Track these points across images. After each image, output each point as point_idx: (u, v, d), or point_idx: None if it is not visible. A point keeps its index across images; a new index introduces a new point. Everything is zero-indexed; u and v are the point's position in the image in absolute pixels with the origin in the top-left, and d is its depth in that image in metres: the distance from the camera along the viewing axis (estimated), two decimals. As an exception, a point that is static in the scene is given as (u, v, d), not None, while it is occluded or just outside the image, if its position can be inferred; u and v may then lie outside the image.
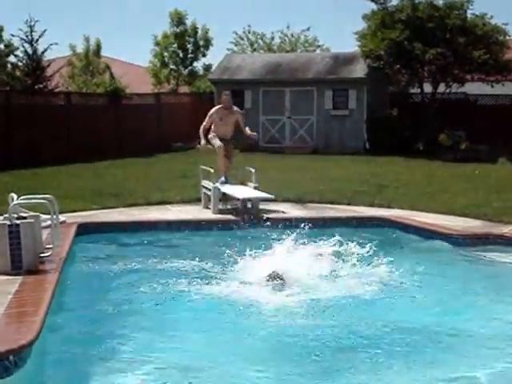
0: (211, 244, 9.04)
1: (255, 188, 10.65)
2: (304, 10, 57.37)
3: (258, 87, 22.96)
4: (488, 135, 20.69)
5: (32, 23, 21.39)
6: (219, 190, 10.45)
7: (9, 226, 6.65)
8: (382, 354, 5.01)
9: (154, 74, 30.97)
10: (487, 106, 22.95)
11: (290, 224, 9.73)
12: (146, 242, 9.03)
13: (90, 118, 20.46)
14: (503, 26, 20.84)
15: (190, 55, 30.90)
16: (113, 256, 8.24)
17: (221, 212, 10.36)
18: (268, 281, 6.73)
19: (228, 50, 36.14)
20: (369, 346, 5.20)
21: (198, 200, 11.07)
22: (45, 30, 21.66)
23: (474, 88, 22.45)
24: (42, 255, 7.06)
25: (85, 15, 65.66)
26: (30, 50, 21.65)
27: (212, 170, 10.72)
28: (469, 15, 21.09)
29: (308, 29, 36.57)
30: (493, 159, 18.21)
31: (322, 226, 9.54)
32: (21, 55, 21.98)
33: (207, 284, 6.70)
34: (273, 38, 36.86)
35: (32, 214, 7.20)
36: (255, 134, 11.92)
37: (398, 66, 21.68)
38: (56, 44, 27.19)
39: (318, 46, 36.53)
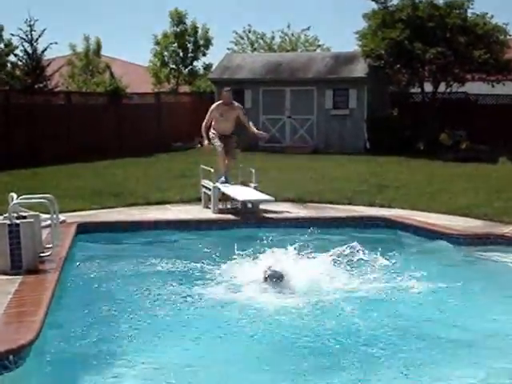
0: (211, 244, 9.02)
1: (255, 188, 10.62)
2: (304, 9, 57.42)
3: (258, 87, 22.95)
4: (488, 135, 20.68)
5: (32, 22, 21.38)
6: (219, 189, 10.43)
7: (9, 225, 6.64)
8: (379, 354, 5.02)
9: (154, 73, 30.96)
10: (488, 105, 22.93)
11: (290, 224, 9.77)
12: (145, 241, 9.04)
13: (89, 117, 20.45)
14: (504, 26, 20.83)
15: (190, 55, 30.87)
16: (112, 256, 8.24)
17: (221, 212, 10.34)
18: (266, 278, 6.71)
19: (228, 49, 36.22)
20: (367, 345, 5.20)
21: (198, 200, 11.06)
22: (44, 29, 21.66)
23: (475, 88, 22.44)
24: (41, 255, 7.05)
25: (85, 14, 65.62)
26: (29, 50, 21.61)
27: (212, 170, 10.70)
28: (469, 14, 21.09)
29: (308, 28, 36.64)
30: (493, 159, 18.19)
31: (322, 226, 9.55)
32: (20, 54, 21.95)
33: (206, 284, 6.70)
34: (273, 38, 36.91)
35: (32, 213, 7.19)
36: (265, 134, 12.07)
37: (398, 66, 21.67)
38: (56, 43, 27.14)
39: (319, 46, 36.57)
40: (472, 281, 6.82)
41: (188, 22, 30.58)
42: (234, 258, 7.37)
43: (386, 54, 20.72)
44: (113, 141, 20.60)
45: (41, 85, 21.41)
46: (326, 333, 5.45)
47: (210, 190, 10.50)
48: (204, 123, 11.14)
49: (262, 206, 10.48)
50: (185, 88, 30.38)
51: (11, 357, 4.49)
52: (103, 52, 32.33)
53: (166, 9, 39.66)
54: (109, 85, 22.56)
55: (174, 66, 30.92)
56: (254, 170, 10.89)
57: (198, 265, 7.38)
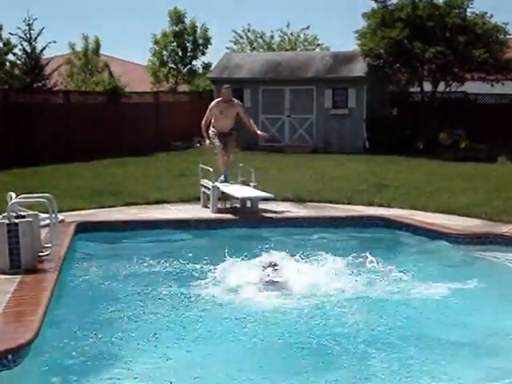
0: (210, 244, 9.04)
1: (255, 187, 10.62)
2: (304, 8, 57.43)
3: (257, 86, 22.93)
4: (488, 134, 20.66)
5: (30, 21, 21.36)
6: (218, 188, 10.42)
7: (7, 224, 6.63)
8: (378, 354, 5.00)
9: (153, 72, 30.94)
10: (487, 105, 22.91)
11: (290, 223, 9.77)
12: (144, 241, 9.03)
13: (88, 116, 20.41)
14: (503, 25, 20.79)
15: (189, 54, 30.87)
16: (111, 255, 8.24)
17: (220, 211, 10.32)
18: (263, 270, 6.70)
19: (227, 48, 36.18)
20: (366, 345, 5.19)
21: (197, 199, 11.04)
22: (43, 28, 21.62)
23: (474, 87, 22.42)
24: (40, 254, 7.05)
25: (84, 13, 65.63)
26: (28, 49, 21.59)
27: (211, 169, 10.68)
28: (469, 14, 21.06)
29: (308, 27, 36.60)
30: (492, 158, 18.17)
31: (321, 226, 9.56)
32: (19, 53, 21.91)
33: (205, 284, 6.69)
34: (272, 37, 36.87)
35: (31, 212, 7.17)
36: (265, 134, 12.09)
37: (397, 65, 21.65)
38: (54, 42, 27.21)
39: (318, 45, 36.54)
40: (471, 280, 6.80)
41: (187, 21, 30.60)
42: (233, 258, 7.37)
43: (386, 53, 20.70)
44: (112, 140, 20.56)
45: (39, 84, 21.38)
46: (324, 333, 5.45)
47: (209, 189, 10.49)
48: (204, 121, 11.09)
49: (261, 206, 10.46)
50: (184, 87, 30.36)
51: (10, 356, 4.49)
52: (102, 51, 32.33)
53: (166, 8, 39.62)
54: (108, 84, 22.54)
55: (172, 65, 30.90)
56: (253, 170, 10.87)
57: (197, 265, 7.38)
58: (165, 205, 11.03)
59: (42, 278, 6.47)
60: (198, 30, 30.78)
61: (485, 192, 11.98)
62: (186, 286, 6.68)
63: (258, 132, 11.49)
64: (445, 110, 21.44)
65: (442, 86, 21.81)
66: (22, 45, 21.61)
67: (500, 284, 7.03)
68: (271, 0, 60.62)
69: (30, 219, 6.86)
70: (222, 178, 10.83)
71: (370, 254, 7.27)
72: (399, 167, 16.51)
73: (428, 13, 20.44)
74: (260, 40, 36.90)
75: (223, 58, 25.24)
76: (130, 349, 5.17)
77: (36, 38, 21.59)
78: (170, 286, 6.67)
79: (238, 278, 6.79)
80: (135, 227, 9.41)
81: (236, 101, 11.35)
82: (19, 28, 21.34)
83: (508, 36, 21.14)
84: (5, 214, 6.76)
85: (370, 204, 10.96)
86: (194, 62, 31.26)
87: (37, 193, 7.82)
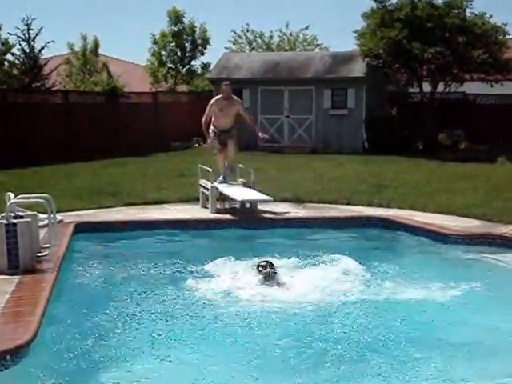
0: (208, 244, 9.03)
1: (254, 188, 10.58)
2: (303, 8, 57.42)
3: (256, 86, 22.91)
4: (487, 135, 20.67)
5: (29, 21, 21.37)
6: (217, 189, 10.39)
7: (6, 225, 6.62)
8: (371, 355, 5.01)
9: (152, 72, 30.93)
10: (486, 105, 22.90)
11: (289, 224, 9.75)
12: (143, 241, 9.01)
13: (87, 116, 20.39)
14: (502, 26, 20.79)
15: (187, 54, 30.86)
16: (110, 255, 8.24)
17: (219, 211, 10.30)
18: (260, 271, 6.68)
19: (226, 48, 36.15)
20: (364, 346, 5.19)
21: (197, 199, 11.02)
22: (41, 28, 21.66)
23: (473, 87, 22.42)
24: (39, 254, 7.04)
25: (83, 13, 65.61)
26: (27, 48, 21.61)
27: (210, 170, 10.66)
28: (468, 14, 21.05)
29: (307, 27, 36.57)
30: (492, 159, 18.16)
31: (320, 226, 9.55)
32: (18, 53, 21.95)
33: (203, 284, 6.68)
34: (271, 37, 36.84)
35: (29, 213, 7.16)
36: (266, 135, 12.10)
37: (397, 65, 21.65)
38: (53, 42, 27.13)
39: (317, 45, 36.52)
40: (470, 282, 6.79)
41: (186, 21, 30.59)
42: (231, 259, 7.37)
43: (385, 53, 20.69)
44: (111, 140, 20.53)
45: (38, 84, 21.38)
46: (320, 334, 5.45)
47: (208, 189, 10.47)
48: (204, 119, 10.95)
49: (260, 207, 10.45)
50: (183, 87, 30.35)
51: (8, 357, 4.48)
52: (101, 51, 32.32)
53: (164, 7, 39.62)
54: (106, 84, 22.52)
55: (171, 66, 30.90)
56: (252, 171, 10.83)
57: (195, 265, 7.36)
58: (164, 205, 11.01)
59: (41, 278, 6.46)
60: (197, 30, 30.79)
61: (484, 193, 11.97)
62: (185, 286, 6.68)
63: (259, 134, 11.41)
64: (444, 110, 21.43)
65: (441, 87, 21.81)
66: (20, 45, 21.67)
67: (499, 286, 7.00)
68: (270, 0, 60.63)
69: (29, 219, 6.84)
70: (220, 178, 10.80)
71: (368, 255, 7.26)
72: (398, 168, 16.49)
73: (427, 13, 20.43)
74: (259, 40, 36.88)
75: (222, 58, 25.22)
76: (129, 349, 5.15)
77: (34, 38, 21.64)
78: (169, 287, 6.66)
79: (236, 278, 6.79)
80: (134, 227, 9.39)
81: (236, 98, 11.21)
82: (18, 28, 21.40)
83: (507, 36, 21.14)
84: (3, 215, 6.74)
85: (370, 204, 10.94)
86: (192, 62, 31.32)
87: (35, 193, 7.81)
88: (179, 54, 30.68)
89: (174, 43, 30.49)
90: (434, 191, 12.28)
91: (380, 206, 10.86)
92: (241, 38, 36.90)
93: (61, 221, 8.77)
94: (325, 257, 7.66)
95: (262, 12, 62.04)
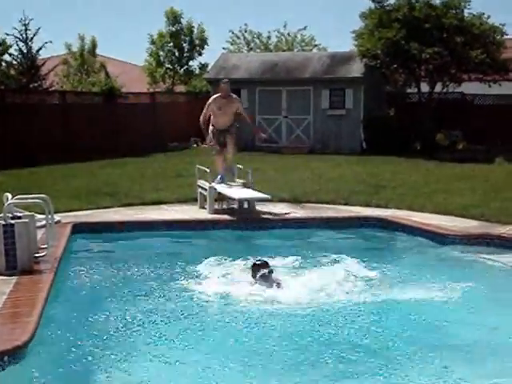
0: (206, 245, 9.03)
1: (251, 188, 10.58)
2: (301, 9, 57.43)
3: (254, 86, 22.90)
4: (485, 135, 20.68)
5: (26, 22, 21.36)
6: (215, 189, 10.39)
7: (3, 225, 6.61)
8: (369, 357, 5.01)
9: (150, 73, 30.90)
10: (484, 105, 22.93)
11: (287, 224, 9.75)
12: (141, 242, 9.01)
13: (85, 117, 20.37)
14: (500, 26, 20.80)
15: (185, 54, 30.84)
16: (108, 256, 8.23)
17: (217, 212, 10.29)
18: (254, 271, 6.67)
19: (224, 49, 36.16)
20: (358, 348, 5.19)
21: (194, 200, 11.01)
22: (39, 29, 21.65)
23: (471, 88, 22.44)
24: (36, 255, 7.02)
25: (80, 14, 65.57)
26: (24, 49, 21.59)
27: (208, 170, 10.65)
28: (466, 14, 21.04)
29: (305, 28, 36.60)
30: (490, 159, 18.16)
31: (318, 227, 9.55)
32: (15, 54, 21.92)
33: (200, 285, 6.67)
34: (269, 37, 36.86)
35: (27, 213, 7.15)
36: (264, 135, 12.09)
37: (394, 66, 21.64)
38: (50, 42, 27.17)
39: (315, 46, 36.54)
40: (468, 282, 6.78)
41: (184, 21, 30.58)
42: (227, 259, 7.36)
43: (383, 53, 20.70)
44: (108, 140, 20.52)
45: (36, 84, 21.37)
46: (318, 333, 5.44)
47: (205, 190, 10.45)
48: (202, 117, 10.85)
49: (258, 207, 10.44)
50: (180, 88, 30.35)
51: (6, 358, 4.47)
52: (98, 51, 32.30)
53: (162, 8, 39.58)
54: (104, 84, 22.50)
55: (169, 66, 30.89)
56: (250, 171, 10.83)
57: (192, 265, 7.36)
58: (161, 206, 11.00)
59: (38, 279, 6.45)
60: (195, 31, 30.77)
61: (482, 193, 11.97)
62: (181, 286, 6.67)
63: (260, 133, 11.37)
64: (442, 110, 21.44)
65: (439, 87, 21.81)
66: (18, 45, 21.67)
67: (496, 286, 7.00)
68: (268, 0, 60.65)
69: (26, 220, 6.83)
70: (218, 178, 10.78)
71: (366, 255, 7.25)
72: (396, 168, 16.49)
73: (425, 13, 20.42)
74: (257, 40, 36.90)
75: (220, 58, 25.22)
76: (127, 350, 5.14)
77: (32, 39, 21.64)
78: (166, 288, 6.65)
79: (232, 278, 6.79)
80: (132, 228, 9.38)
81: (235, 96, 11.12)
82: (15, 28, 21.39)
83: (505, 36, 21.14)
84: (1, 215, 6.73)
85: (368, 205, 10.94)
86: (190, 63, 31.29)
87: (33, 193, 7.79)
88: (177, 54, 30.67)
89: (171, 43, 30.47)
90: (431, 191, 12.29)
91: (378, 206, 10.86)
92: (239, 38, 36.93)
93: (58, 221, 8.75)
94: (322, 257, 7.66)
95: (260, 12, 62.13)
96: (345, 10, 60.53)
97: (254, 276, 6.65)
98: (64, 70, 29.74)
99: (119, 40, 63.59)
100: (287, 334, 5.46)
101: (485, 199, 11.19)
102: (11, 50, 22.13)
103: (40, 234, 7.60)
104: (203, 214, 10.24)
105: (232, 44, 36.90)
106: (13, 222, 6.66)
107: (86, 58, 30.86)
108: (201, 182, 10.80)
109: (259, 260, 6.83)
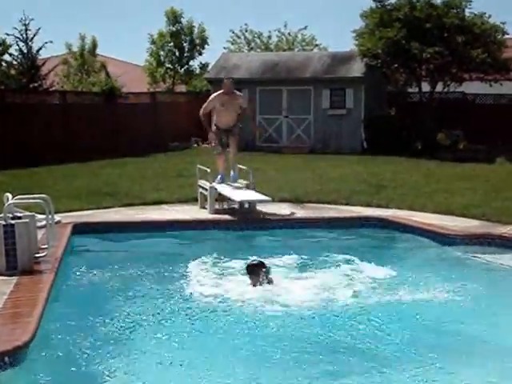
0: (206, 245, 9.00)
1: (252, 188, 10.56)
2: (302, 8, 57.41)
3: (254, 86, 22.87)
4: (486, 135, 20.66)
5: (27, 21, 21.34)
6: (216, 189, 10.37)
7: (4, 225, 6.60)
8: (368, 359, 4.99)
9: (150, 72, 30.89)
10: (485, 105, 22.91)
11: (288, 224, 9.74)
12: (141, 242, 9.00)
13: (85, 117, 20.36)
14: (501, 25, 20.79)
15: (186, 54, 30.83)
16: (108, 256, 8.22)
17: (217, 212, 10.28)
18: (250, 272, 6.65)
19: (225, 48, 36.13)
20: (357, 347, 5.18)
21: (195, 200, 11.00)
22: (39, 29, 21.62)
23: (472, 87, 22.42)
24: (37, 255, 7.01)
25: (81, 13, 65.58)
26: (24, 49, 21.56)
27: (209, 170, 10.63)
28: (467, 14, 21.04)
29: (305, 27, 36.56)
30: (491, 159, 18.15)
31: (319, 227, 9.54)
32: (15, 54, 21.89)
33: (200, 284, 6.66)
34: (270, 37, 36.82)
35: (27, 213, 7.14)
36: (259, 128, 11.95)
37: (395, 65, 21.64)
38: (51, 42, 27.11)
39: (316, 45, 36.50)
40: (469, 281, 6.78)
41: (184, 21, 30.56)
42: (227, 259, 7.35)
43: (383, 53, 20.68)
44: (109, 140, 20.51)
45: (36, 84, 21.35)
46: (317, 333, 5.43)
47: (206, 190, 10.44)
48: (202, 110, 10.66)
49: (259, 207, 10.43)
50: (181, 88, 30.34)
51: (6, 358, 4.46)
52: (99, 51, 32.29)
53: (163, 7, 39.56)
54: (104, 84, 22.48)
55: (169, 66, 30.88)
56: (251, 171, 10.80)
57: (193, 265, 7.34)
58: (162, 205, 10.99)
59: (39, 279, 6.44)
60: (195, 30, 30.76)
61: (483, 193, 11.96)
62: (183, 286, 6.66)
63: (255, 128, 11.24)
64: (443, 110, 21.42)
65: (440, 87, 21.80)
66: (18, 45, 21.63)
67: (497, 286, 7.00)
68: (269, 0, 60.64)
69: (27, 220, 6.82)
70: (218, 178, 10.75)
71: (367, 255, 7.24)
72: (397, 168, 16.48)
73: (426, 13, 20.41)
74: (257, 40, 36.86)
75: (220, 58, 25.21)
76: (127, 348, 5.14)
77: (32, 39, 21.60)
78: (166, 286, 6.64)
79: (230, 279, 6.77)
80: (132, 228, 9.37)
81: (238, 93, 10.95)
82: (15, 28, 21.35)
83: (506, 36, 21.14)
84: (1, 215, 6.72)
85: (368, 205, 10.93)
86: (191, 63, 31.30)
87: (33, 193, 7.78)
88: (177, 54, 30.66)
89: (172, 43, 30.46)
90: (432, 191, 12.28)
91: (379, 206, 10.84)
92: (239, 38, 36.89)
93: (59, 221, 8.74)
94: (323, 257, 7.66)
95: (261, 12, 62.08)
96: (345, 10, 60.53)
97: (250, 277, 6.61)
98: (64, 70, 29.72)
99: (119, 40, 63.63)
100: (284, 333, 5.44)
101: (486, 199, 11.18)
102: (11, 50, 22.13)
103: (40, 234, 7.59)
104: (204, 214, 10.23)
105: (232, 44, 36.90)
106: (13, 222, 6.65)
107: (86, 58, 30.84)
108: (201, 182, 10.79)
109: (254, 261, 6.81)
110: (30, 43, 21.54)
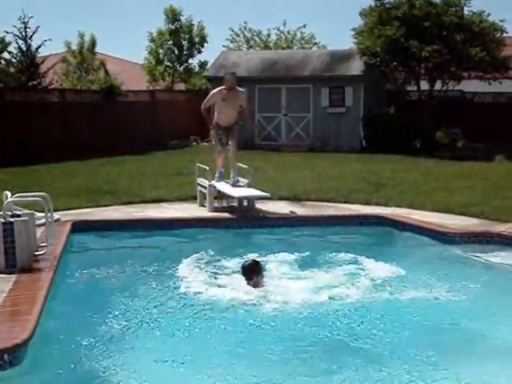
0: (206, 243, 9.00)
1: (251, 186, 10.56)
2: (301, 6, 57.37)
3: (253, 84, 22.84)
4: (485, 133, 20.67)
5: (26, 20, 21.32)
6: (215, 187, 10.37)
7: (3, 223, 6.61)
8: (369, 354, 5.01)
9: (149, 70, 30.88)
10: (484, 103, 22.92)
11: (287, 222, 9.74)
12: (140, 240, 9.00)
13: (84, 115, 20.36)
14: (500, 23, 20.80)
15: (185, 52, 30.81)
16: (107, 254, 8.23)
17: (216, 210, 10.28)
18: (244, 271, 6.64)
19: (224, 46, 36.09)
20: (356, 347, 5.18)
21: (194, 198, 11.00)
22: (38, 27, 21.59)
23: (471, 86, 22.42)
24: (36, 253, 7.02)
25: (80, 11, 65.54)
26: (23, 47, 21.55)
27: (208, 168, 10.63)
28: (466, 12, 21.04)
29: (304, 26, 36.52)
30: (490, 157, 18.16)
31: (318, 225, 9.54)
32: (14, 52, 21.88)
33: (200, 284, 6.65)
34: (269, 35, 36.80)
35: (26, 211, 7.14)
36: (258, 125, 11.91)
37: (394, 64, 21.64)
38: (50, 40, 27.00)
39: (315, 44, 36.47)
40: (468, 280, 6.78)
41: (183, 19, 30.54)
42: (225, 257, 7.35)
43: (382, 51, 20.67)
44: (108, 138, 20.50)
45: (35, 82, 21.33)
46: (315, 333, 5.43)
47: (205, 188, 10.44)
48: (203, 106, 10.56)
49: (258, 205, 10.43)
50: (180, 86, 30.32)
51: (6, 356, 4.46)
52: (98, 49, 32.26)
53: (162, 6, 39.52)
54: (103, 82, 22.47)
55: (169, 64, 30.86)
56: (251, 169, 10.80)
57: (192, 263, 7.34)
58: (161, 204, 10.99)
59: (38, 277, 6.45)
60: (195, 28, 30.74)
61: (482, 191, 11.97)
62: (182, 284, 6.66)
63: (253, 127, 11.22)
64: (442, 108, 21.41)
65: (438, 85, 21.80)
66: (17, 43, 21.61)
67: (496, 284, 6.99)
68: (268, -2, 60.64)
69: (26, 218, 6.83)
70: (217, 175, 10.74)
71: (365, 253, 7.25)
72: (396, 166, 16.49)
73: (425, 11, 20.40)
74: (256, 38, 36.83)
75: (219, 56, 25.20)
76: (125, 347, 5.14)
77: (31, 36, 21.58)
78: (167, 285, 6.64)
79: (227, 277, 6.77)
80: (131, 226, 9.37)
81: (240, 89, 10.70)
82: (15, 26, 21.32)
83: (505, 34, 21.14)
84: (0, 213, 6.72)
85: (367, 203, 10.93)
86: (190, 61, 31.29)
87: (33, 191, 7.78)
88: (176, 52, 30.64)
89: (171, 41, 30.45)
90: (431, 190, 12.28)
91: (378, 204, 10.85)
92: (238, 36, 36.86)
93: (58, 219, 8.75)
94: (322, 255, 7.66)
95: (260, 10, 62.04)
96: (344, 8, 60.55)
97: (245, 276, 6.60)
98: (63, 68, 29.70)
99: (118, 38, 63.62)
100: (282, 333, 5.43)
101: (485, 197, 11.19)
102: (10, 48, 22.12)
103: (39, 232, 7.59)
104: (203, 212, 10.24)
105: (232, 42, 36.86)
106: (12, 220, 6.66)
107: (85, 56, 30.82)
108: (200, 180, 10.79)
109: (248, 260, 6.80)
110: (29, 41, 21.53)
